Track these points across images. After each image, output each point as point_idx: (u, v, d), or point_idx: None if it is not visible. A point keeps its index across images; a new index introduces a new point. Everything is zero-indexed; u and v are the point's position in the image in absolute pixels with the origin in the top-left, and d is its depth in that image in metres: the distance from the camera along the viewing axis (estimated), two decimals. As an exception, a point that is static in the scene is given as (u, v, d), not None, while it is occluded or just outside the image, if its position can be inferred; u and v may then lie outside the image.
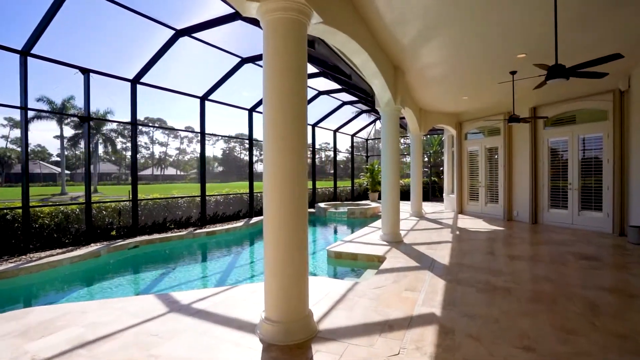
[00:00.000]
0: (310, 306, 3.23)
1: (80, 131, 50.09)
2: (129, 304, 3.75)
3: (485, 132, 11.09)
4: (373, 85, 6.43)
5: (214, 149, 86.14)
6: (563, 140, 8.73)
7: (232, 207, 11.18)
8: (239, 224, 9.95)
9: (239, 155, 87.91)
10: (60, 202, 13.26)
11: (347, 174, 19.69)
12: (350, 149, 18.34)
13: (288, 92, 3.03)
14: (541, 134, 9.23)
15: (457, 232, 8.08)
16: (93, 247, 6.80)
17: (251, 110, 11.52)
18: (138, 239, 7.78)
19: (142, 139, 77.33)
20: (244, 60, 8.73)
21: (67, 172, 66.01)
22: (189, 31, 7.13)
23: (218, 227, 9.31)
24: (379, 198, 18.95)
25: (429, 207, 14.18)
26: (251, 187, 11.53)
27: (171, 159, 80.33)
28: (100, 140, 52.46)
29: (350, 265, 6.05)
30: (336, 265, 6.17)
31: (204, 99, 9.66)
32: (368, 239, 7.26)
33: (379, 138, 20.79)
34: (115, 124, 62.33)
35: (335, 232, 10.51)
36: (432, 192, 18.37)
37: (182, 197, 9.94)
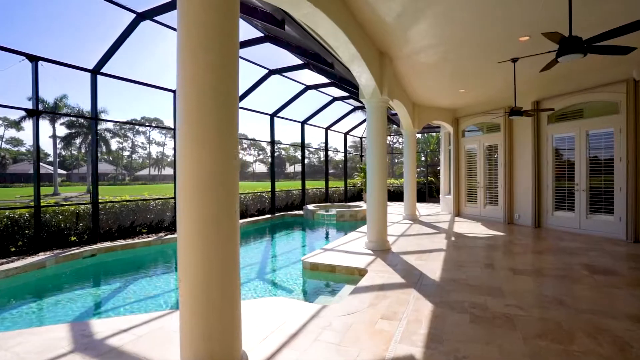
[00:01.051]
0: (253, 344, 2.45)
1: (73, 130, 49.35)
2: (30, 338, 2.95)
3: (484, 128, 10.30)
4: (354, 72, 5.63)
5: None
6: (569, 137, 7.93)
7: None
8: (217, 228, 9.15)
9: (239, 154, 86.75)
10: (5, 205, 12.37)
11: (344, 174, 18.85)
12: (343, 148, 17.54)
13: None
14: (545, 130, 8.44)
15: (453, 238, 7.28)
16: (40, 257, 6.01)
17: (273, 116, 11.97)
18: (98, 246, 6.99)
19: (139, 139, 76.71)
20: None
21: (63, 172, 65.36)
22: (151, 14, 6.46)
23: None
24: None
25: (425, 209, 13.38)
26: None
27: (169, 159, 79.64)
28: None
29: (327, 278, 5.25)
30: (311, 278, 5.37)
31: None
32: (352, 247, 6.46)
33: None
34: (111, 123, 61.51)
35: (319, 237, 9.71)
36: (430, 193, 17.58)
37: (154, 199, 9.14)
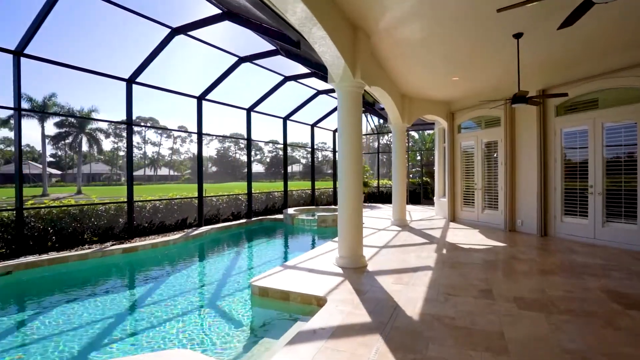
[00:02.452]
0: None
1: (63, 130, 48.26)
2: None
3: (482, 123, 9.13)
4: (316, 46, 4.47)
5: (208, 149, 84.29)
6: (581, 131, 6.77)
7: (177, 214, 9.22)
8: (177, 235, 7.99)
9: (234, 155, 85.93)
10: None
11: (333, 174, 17.71)
12: (332, 147, 16.37)
13: None
14: (552, 123, 7.27)
15: (444, 251, 6.11)
16: None
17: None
18: (23, 260, 5.84)
19: (135, 139, 75.58)
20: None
21: (57, 172, 64.20)
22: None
23: (146, 241, 7.35)
24: (366, 201, 17.00)
25: (418, 213, 12.21)
26: (200, 189, 9.56)
27: (165, 159, 78.58)
28: (85, 140, 50.60)
29: (279, 307, 4.09)
30: (261, 307, 4.21)
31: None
32: (319, 263, 5.30)
33: (369, 134, 18.90)
34: (102, 123, 60.27)
35: (294, 246, 8.55)
36: (425, 195, 16.43)
37: (103, 204, 7.98)
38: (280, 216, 11.47)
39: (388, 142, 45.76)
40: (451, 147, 9.91)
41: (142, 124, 67.15)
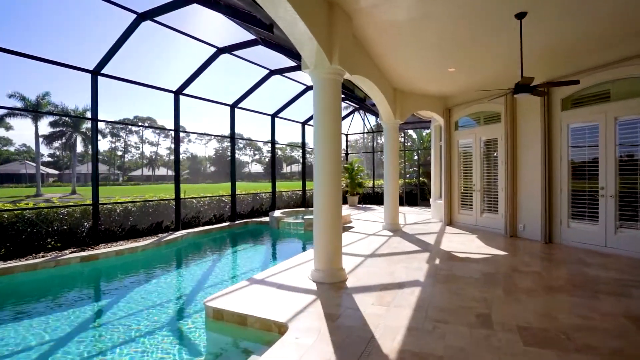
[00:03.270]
0: None
1: (57, 129, 47.63)
2: None
3: (481, 119, 8.44)
4: (281, 23, 3.78)
5: (207, 149, 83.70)
6: (590, 126, 6.08)
7: (151, 217, 8.53)
8: (147, 241, 7.30)
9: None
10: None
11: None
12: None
13: None
14: (557, 118, 6.58)
15: (437, 261, 5.42)
16: None
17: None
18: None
19: (132, 139, 75.07)
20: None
21: (55, 172, 63.59)
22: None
23: (111, 248, 6.66)
24: (360, 202, 16.31)
25: (413, 215, 11.51)
26: (177, 190, 8.88)
27: (164, 159, 78.09)
28: (80, 139, 49.95)
29: (235, 334, 3.40)
30: (216, 332, 3.52)
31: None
32: (291, 277, 4.60)
33: (367, 132, 18.17)
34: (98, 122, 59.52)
35: (276, 253, 7.86)
36: (422, 196, 15.73)
37: (66, 207, 7.29)
38: (266, 219, 10.78)
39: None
40: (447, 146, 9.22)
41: (141, 124, 66.57)
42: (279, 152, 79.08)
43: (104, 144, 75.84)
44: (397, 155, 8.70)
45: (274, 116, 12.01)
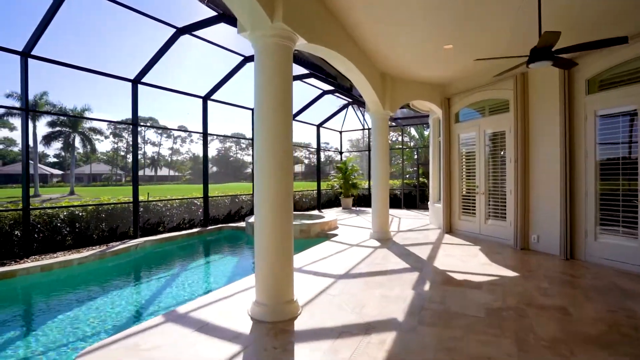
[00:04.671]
0: None
1: (55, 129, 47.10)
2: None
3: (486, 109, 7.17)
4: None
5: (209, 149, 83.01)
6: (626, 112, 4.79)
7: (105, 222, 7.40)
8: (89, 252, 6.15)
9: (235, 155, 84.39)
10: None
11: (317, 174, 15.91)
12: (316, 143, 14.48)
13: None
14: (581, 104, 5.30)
15: (427, 287, 4.18)
16: None
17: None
18: None
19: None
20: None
21: (59, 172, 63.34)
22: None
23: (39, 262, 5.53)
24: (355, 204, 15.07)
25: (409, 220, 10.25)
26: (135, 192, 7.74)
27: (166, 159, 77.70)
28: (79, 140, 49.42)
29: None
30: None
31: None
32: (227, 310, 3.40)
33: (362, 129, 16.99)
34: (97, 122, 59.04)
35: (229, 271, 6.62)
36: (421, 198, 14.45)
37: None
38: (241, 224, 9.60)
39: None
40: (447, 141, 7.95)
41: (143, 124, 66.20)
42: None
43: (106, 145, 75.52)
44: (387, 152, 7.46)
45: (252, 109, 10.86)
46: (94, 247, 6.71)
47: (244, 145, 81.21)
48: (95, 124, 52.10)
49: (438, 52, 5.97)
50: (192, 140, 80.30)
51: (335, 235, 7.96)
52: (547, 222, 5.77)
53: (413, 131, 20.06)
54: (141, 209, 8.12)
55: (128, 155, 76.97)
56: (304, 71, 9.14)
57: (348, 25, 4.99)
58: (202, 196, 9.45)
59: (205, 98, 9.36)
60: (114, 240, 7.42)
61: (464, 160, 7.72)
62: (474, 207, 7.33)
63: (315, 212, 12.82)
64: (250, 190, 11.50)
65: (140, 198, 8.17)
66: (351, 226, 9.27)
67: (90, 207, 7.32)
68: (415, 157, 16.60)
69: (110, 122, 50.43)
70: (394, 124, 15.16)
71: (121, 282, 5.34)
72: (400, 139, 17.04)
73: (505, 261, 5.30)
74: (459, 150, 7.76)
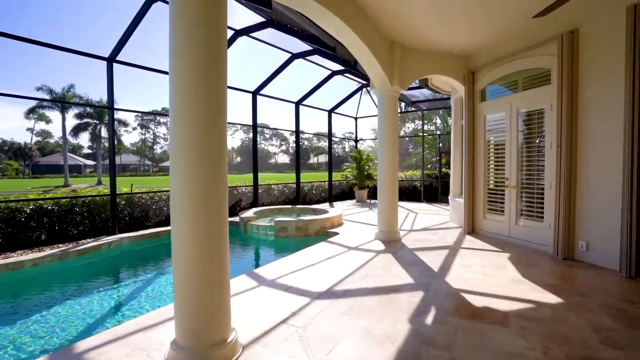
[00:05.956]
0: None
1: (83, 121, 48.61)
2: None
3: (520, 83, 5.75)
4: None
5: (233, 140, 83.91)
6: None
7: (81, 217, 6.74)
8: (50, 252, 5.46)
9: (259, 145, 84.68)
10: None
11: (328, 164, 14.84)
12: (327, 130, 13.33)
13: None
14: (656, 67, 3.86)
15: (430, 319, 3.04)
16: None
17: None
18: None
19: (161, 130, 76.86)
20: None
21: (92, 163, 66.18)
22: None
23: (-13, 264, 4.87)
24: (370, 197, 13.87)
25: (427, 217, 8.99)
26: (113, 184, 7.01)
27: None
28: (104, 131, 50.84)
29: None
30: None
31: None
32: (146, 344, 2.45)
33: (376, 115, 15.63)
34: (123, 113, 60.93)
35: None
36: (444, 191, 13.00)
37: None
38: (234, 219, 8.73)
39: (410, 127, 41.37)
40: (470, 123, 6.60)
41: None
42: (305, 142, 77.36)
43: (134, 136, 78.03)
44: (395, 137, 6.23)
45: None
46: (66, 244, 6.05)
47: (267, 136, 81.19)
48: (120, 115, 53.42)
49: (458, 8, 4.66)
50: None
51: (336, 234, 6.90)
52: (602, 226, 4.40)
53: (438, 120, 18.45)
54: (123, 202, 7.41)
55: (155, 146, 79.20)
56: (304, 47, 8.05)
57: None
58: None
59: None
60: (90, 236, 6.75)
61: (490, 146, 6.37)
62: (503, 203, 5.99)
63: (325, 205, 11.79)
64: (276, 180, 10.57)
65: (125, 190, 7.46)
66: (358, 223, 8.16)
67: (64, 201, 6.65)
68: (439, 144, 15.08)
69: (149, 113, 51.26)
70: (413, 108, 13.71)
71: (57, 293, 4.44)
72: (421, 125, 15.55)
73: (543, 277, 4.03)
74: (484, 134, 6.41)
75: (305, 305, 3.29)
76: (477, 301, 3.34)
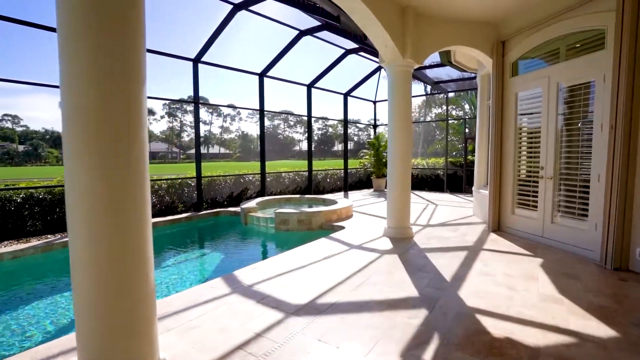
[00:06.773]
0: None
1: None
2: None
3: (562, 51, 4.70)
4: None
5: (256, 126, 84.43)
6: None
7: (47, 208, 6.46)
8: (27, 244, 5.20)
9: (283, 132, 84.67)
10: None
11: (344, 150, 14.10)
12: (343, 114, 12.50)
13: None
14: None
15: (430, 353, 2.32)
16: None
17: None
18: None
19: (188, 118, 78.67)
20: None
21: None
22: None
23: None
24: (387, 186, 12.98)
25: (448, 209, 8.09)
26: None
27: (217, 137, 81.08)
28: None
29: None
30: None
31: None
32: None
33: (414, 96, 14.56)
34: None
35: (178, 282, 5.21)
36: (469, 181, 11.89)
37: None
38: (237, 209, 8.24)
39: (438, 112, 39.01)
40: (498, 102, 5.60)
41: (202, 102, 69.37)
42: (330, 129, 76.56)
43: (162, 124, 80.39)
44: (408, 121, 5.39)
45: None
46: (47, 236, 5.81)
47: (292, 123, 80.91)
48: (149, 104, 55.03)
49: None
50: (241, 119, 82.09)
51: (342, 228, 6.23)
52: (667, 230, 3.43)
53: (466, 105, 17.01)
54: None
55: (182, 134, 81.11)
56: (312, 22, 7.25)
57: None
58: (195, 176, 8.20)
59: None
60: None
61: (523, 128, 5.39)
62: (536, 197, 5.04)
63: (339, 195, 11.09)
64: (291, 167, 10.00)
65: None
66: (370, 215, 7.43)
67: (57, 189, 6.39)
68: (466, 129, 13.85)
69: (179, 101, 52.51)
70: (437, 91, 12.56)
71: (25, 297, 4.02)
72: (445, 108, 14.36)
73: (587, 295, 3.16)
74: (515, 115, 5.41)
75: (276, 323, 2.67)
76: (496, 328, 2.57)
